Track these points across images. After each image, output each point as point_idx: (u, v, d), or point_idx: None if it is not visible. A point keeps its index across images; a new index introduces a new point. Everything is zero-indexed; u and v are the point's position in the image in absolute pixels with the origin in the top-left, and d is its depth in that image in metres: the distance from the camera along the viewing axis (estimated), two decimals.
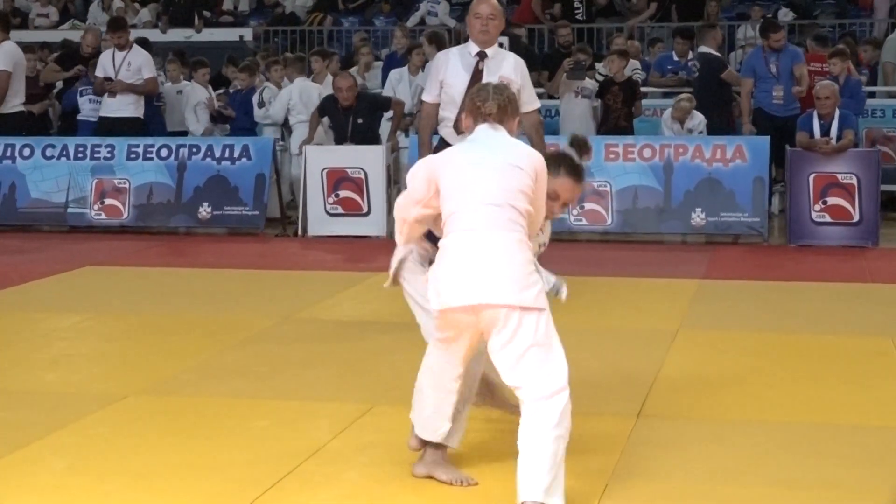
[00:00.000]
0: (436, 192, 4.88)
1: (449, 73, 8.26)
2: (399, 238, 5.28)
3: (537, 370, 4.63)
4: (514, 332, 4.63)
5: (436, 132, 8.45)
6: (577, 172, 5.22)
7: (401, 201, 5.17)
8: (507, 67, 8.27)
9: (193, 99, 14.32)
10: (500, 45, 8.55)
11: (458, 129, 8.25)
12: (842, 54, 12.94)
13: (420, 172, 5.02)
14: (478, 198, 4.74)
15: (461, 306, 4.69)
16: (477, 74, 8.20)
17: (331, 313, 8.79)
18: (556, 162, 5.14)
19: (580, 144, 5.31)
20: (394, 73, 14.34)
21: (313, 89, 13.64)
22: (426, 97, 8.48)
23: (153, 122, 14.06)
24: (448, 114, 8.29)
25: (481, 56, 8.26)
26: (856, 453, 5.43)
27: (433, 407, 5.04)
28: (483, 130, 4.93)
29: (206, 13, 20.96)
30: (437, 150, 8.40)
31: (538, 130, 8.44)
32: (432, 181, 4.90)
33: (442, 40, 14.00)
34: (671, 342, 7.60)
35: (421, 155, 8.57)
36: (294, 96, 13.66)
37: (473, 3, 8.34)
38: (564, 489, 4.60)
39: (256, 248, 12.12)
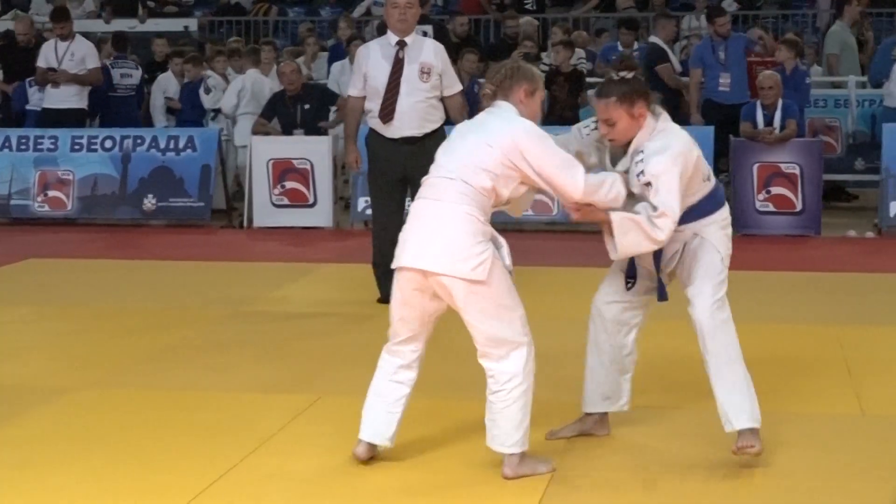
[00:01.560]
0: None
1: (371, 66, 8.35)
2: None
3: (487, 339, 4.95)
4: (463, 301, 4.89)
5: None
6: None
7: None
8: (428, 53, 8.38)
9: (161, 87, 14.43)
10: (424, 34, 8.60)
11: (384, 118, 8.31)
12: (790, 44, 13.03)
13: None
14: (439, 171, 5.05)
15: (408, 267, 4.95)
16: (398, 63, 8.29)
17: (278, 305, 8.81)
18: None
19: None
20: (336, 66, 14.36)
21: (265, 82, 13.63)
22: (351, 91, 8.55)
23: (109, 112, 13.99)
24: (373, 105, 8.36)
25: (401, 45, 8.35)
26: (793, 439, 5.53)
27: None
28: (482, 113, 5.16)
29: (151, 3, 20.81)
30: (368, 142, 8.50)
31: (461, 112, 8.45)
32: None
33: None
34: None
35: (346, 149, 8.68)
36: (247, 87, 13.62)
37: None
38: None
39: (202, 240, 12.09)
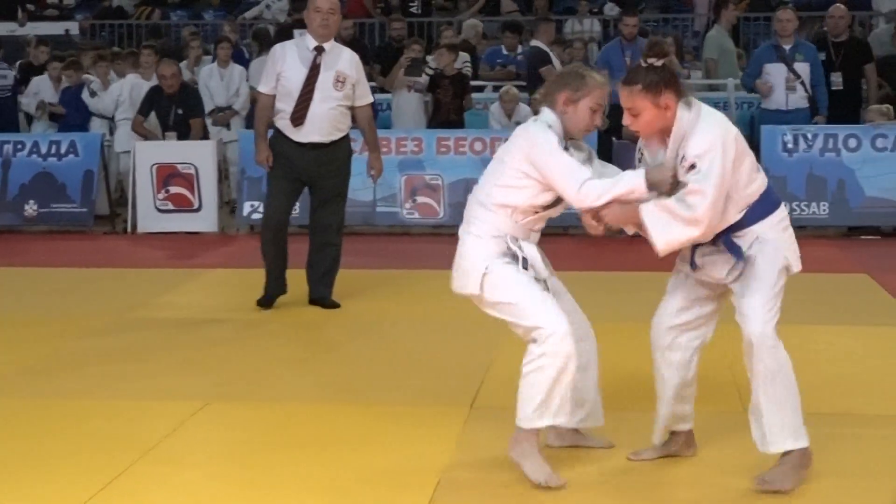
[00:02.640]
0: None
1: (286, 67, 8.30)
2: None
3: (515, 330, 5.04)
4: (484, 309, 5.12)
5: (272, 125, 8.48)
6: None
7: None
8: (344, 62, 8.37)
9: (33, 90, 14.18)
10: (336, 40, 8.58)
11: (295, 121, 8.28)
12: (672, 48, 13.18)
13: None
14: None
15: None
16: (314, 68, 8.26)
17: (163, 311, 8.68)
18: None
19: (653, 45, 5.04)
20: (204, 70, 14.27)
21: (144, 86, 13.45)
22: (262, 88, 8.48)
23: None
24: (284, 106, 8.31)
25: (318, 50, 8.31)
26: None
27: None
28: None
29: (30, 6, 20.47)
30: (272, 141, 8.44)
31: (370, 124, 8.67)
32: None
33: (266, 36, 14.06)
34: (503, 333, 7.66)
35: (257, 146, 8.56)
36: (125, 92, 13.44)
37: None
38: (560, 408, 4.92)
39: (85, 246, 11.90)
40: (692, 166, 4.68)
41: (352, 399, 6.35)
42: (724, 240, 4.83)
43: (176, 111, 12.48)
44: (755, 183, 4.86)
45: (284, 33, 13.96)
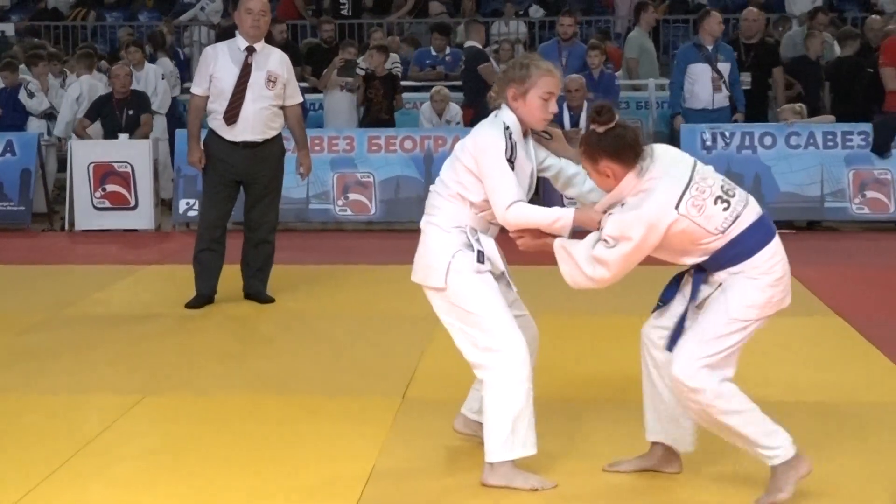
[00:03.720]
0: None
1: (218, 68, 8.25)
2: None
3: (461, 344, 4.86)
4: (434, 308, 4.94)
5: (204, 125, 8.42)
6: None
7: None
8: (275, 63, 8.34)
9: None
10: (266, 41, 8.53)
11: (228, 120, 8.22)
12: (599, 48, 13.18)
13: None
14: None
15: None
16: (246, 68, 8.23)
17: (99, 307, 8.58)
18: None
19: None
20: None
21: (99, 87, 13.28)
22: (196, 90, 8.41)
23: None
24: (217, 106, 8.26)
25: (250, 51, 8.26)
26: (606, 426, 5.58)
27: None
28: None
29: None
30: (206, 142, 8.37)
31: (300, 123, 8.63)
32: None
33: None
34: (434, 326, 7.65)
35: (190, 147, 8.48)
36: (84, 92, 13.23)
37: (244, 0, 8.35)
38: (525, 437, 4.73)
39: (23, 244, 11.73)
40: (606, 240, 4.51)
41: (285, 391, 6.31)
42: (693, 279, 4.67)
43: (127, 112, 12.39)
44: (714, 242, 4.52)
45: (226, 35, 13.83)
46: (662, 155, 4.64)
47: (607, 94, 12.49)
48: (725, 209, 4.51)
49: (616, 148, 4.54)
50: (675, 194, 4.48)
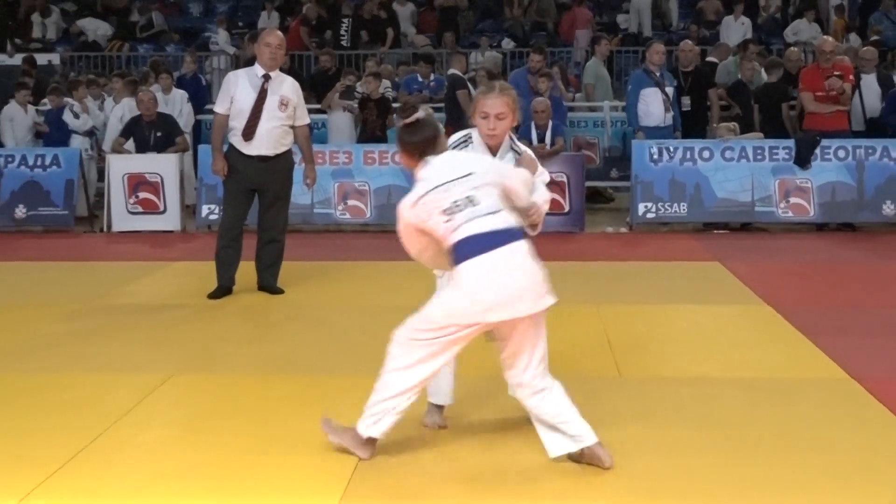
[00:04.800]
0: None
1: (239, 91, 8.27)
2: None
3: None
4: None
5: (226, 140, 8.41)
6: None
7: None
8: (287, 88, 8.36)
9: (8, 115, 13.77)
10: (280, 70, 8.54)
11: (245, 137, 8.20)
12: (546, 76, 13.16)
13: None
14: None
15: None
16: (262, 93, 8.25)
17: (132, 297, 8.54)
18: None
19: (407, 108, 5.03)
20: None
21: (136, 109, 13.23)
22: (218, 109, 8.42)
23: None
24: (236, 124, 8.27)
25: (266, 77, 8.27)
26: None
27: None
28: None
29: (18, 40, 20.11)
30: (227, 155, 8.35)
31: (307, 140, 8.61)
32: None
33: None
34: None
35: (214, 158, 8.47)
36: (126, 113, 13.17)
37: (264, 34, 8.54)
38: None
39: (66, 243, 11.68)
40: None
41: (292, 370, 6.30)
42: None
43: (155, 134, 12.33)
44: (444, 243, 4.54)
45: (249, 64, 13.80)
46: (439, 163, 4.67)
47: (556, 113, 12.50)
48: (447, 221, 4.50)
49: (410, 141, 4.71)
50: (417, 195, 4.57)
